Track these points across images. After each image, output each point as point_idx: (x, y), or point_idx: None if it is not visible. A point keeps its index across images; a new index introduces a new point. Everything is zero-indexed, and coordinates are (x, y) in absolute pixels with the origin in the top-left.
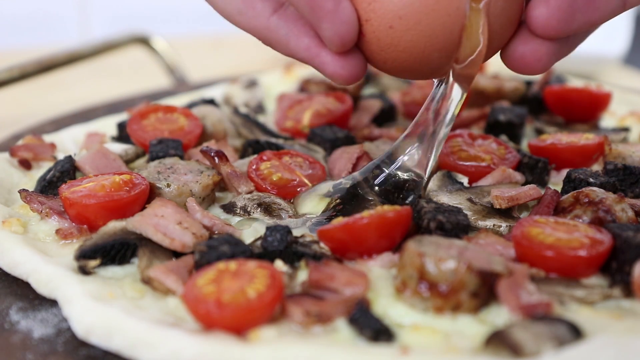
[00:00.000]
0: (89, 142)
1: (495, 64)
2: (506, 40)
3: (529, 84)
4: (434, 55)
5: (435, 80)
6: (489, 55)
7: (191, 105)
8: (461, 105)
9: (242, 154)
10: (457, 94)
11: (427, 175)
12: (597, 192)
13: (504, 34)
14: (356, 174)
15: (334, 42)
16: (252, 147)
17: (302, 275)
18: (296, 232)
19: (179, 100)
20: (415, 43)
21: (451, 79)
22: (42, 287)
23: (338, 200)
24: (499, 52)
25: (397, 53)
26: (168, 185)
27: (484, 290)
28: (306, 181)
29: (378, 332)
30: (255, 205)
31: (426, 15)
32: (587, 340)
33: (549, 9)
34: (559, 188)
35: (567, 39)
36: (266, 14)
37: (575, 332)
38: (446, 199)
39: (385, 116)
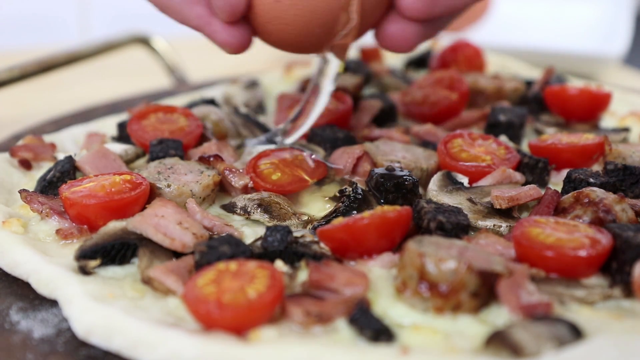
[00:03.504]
0: (89, 142)
1: (495, 63)
2: (377, 20)
3: (529, 84)
4: (316, 30)
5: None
6: (362, 32)
7: (191, 105)
8: (338, 76)
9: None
10: (333, 64)
11: (291, 139)
12: (598, 192)
13: (375, 13)
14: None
15: (224, 11)
16: None
17: (303, 275)
18: (296, 233)
19: (179, 101)
20: (300, 17)
21: (327, 50)
22: (42, 287)
23: (342, 205)
24: (373, 32)
25: (283, 26)
26: (168, 186)
27: (484, 290)
28: (307, 178)
29: (378, 332)
30: (255, 206)
31: None
32: (587, 341)
33: None
34: (559, 188)
35: (433, 22)
36: None
37: (576, 332)
38: (446, 199)
39: (385, 116)
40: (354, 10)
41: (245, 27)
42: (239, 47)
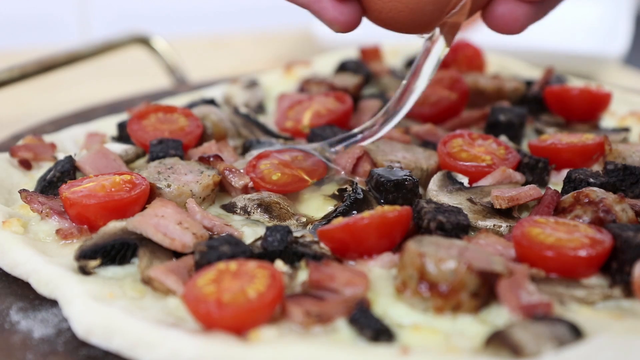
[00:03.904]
0: (89, 142)
1: (495, 63)
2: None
3: (529, 84)
4: (428, 6)
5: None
6: (473, 10)
7: (191, 105)
8: (440, 63)
9: (242, 154)
10: (439, 46)
11: (391, 123)
12: (598, 192)
13: None
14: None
15: None
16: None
17: (303, 275)
18: (296, 233)
19: (179, 101)
20: None
21: (437, 31)
22: (42, 287)
23: (342, 205)
24: (481, 13)
25: (394, 3)
26: (168, 186)
27: (484, 290)
28: (306, 178)
29: (378, 332)
30: (255, 206)
31: None
32: (587, 340)
33: None
34: (559, 188)
35: (543, 3)
36: None
37: (576, 332)
38: (446, 199)
39: None
40: None
41: (355, 4)
42: (348, 25)
